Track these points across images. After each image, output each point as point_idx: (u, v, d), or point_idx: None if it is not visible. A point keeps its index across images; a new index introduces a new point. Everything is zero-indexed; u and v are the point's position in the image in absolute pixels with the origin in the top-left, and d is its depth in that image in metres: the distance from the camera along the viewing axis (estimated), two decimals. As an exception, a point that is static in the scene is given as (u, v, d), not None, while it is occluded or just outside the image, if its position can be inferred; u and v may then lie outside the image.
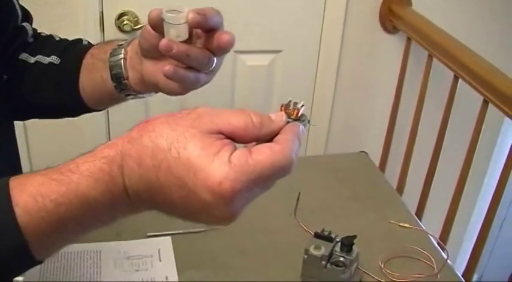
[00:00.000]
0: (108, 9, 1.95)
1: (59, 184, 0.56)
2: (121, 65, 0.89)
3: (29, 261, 0.58)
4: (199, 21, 0.74)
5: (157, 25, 0.77)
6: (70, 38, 0.98)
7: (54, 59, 0.97)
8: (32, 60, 0.98)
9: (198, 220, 0.57)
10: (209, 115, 0.56)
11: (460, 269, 1.92)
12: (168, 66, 0.78)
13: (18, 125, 1.01)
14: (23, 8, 1.00)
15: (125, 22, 1.95)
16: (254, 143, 0.58)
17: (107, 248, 1.21)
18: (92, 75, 0.94)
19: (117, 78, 0.90)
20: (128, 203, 0.58)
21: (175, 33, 0.74)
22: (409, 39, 2.18)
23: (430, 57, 2.05)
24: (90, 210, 0.57)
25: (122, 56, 0.89)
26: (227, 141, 0.56)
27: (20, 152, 1.02)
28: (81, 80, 0.95)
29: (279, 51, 2.19)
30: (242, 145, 0.57)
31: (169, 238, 1.24)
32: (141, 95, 0.93)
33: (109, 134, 2.12)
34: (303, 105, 0.63)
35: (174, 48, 0.75)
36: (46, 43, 1.01)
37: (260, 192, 0.57)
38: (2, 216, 0.55)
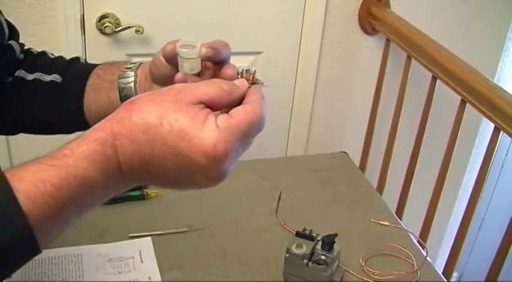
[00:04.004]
0: (88, 12, 1.94)
1: (57, 169, 0.58)
2: (131, 87, 0.92)
3: (33, 249, 0.58)
4: (211, 55, 0.77)
5: (171, 58, 0.81)
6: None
7: (56, 77, 0.98)
8: (30, 77, 0.99)
9: (191, 184, 0.63)
10: (188, 89, 0.63)
11: (440, 268, 1.94)
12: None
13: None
14: (10, 26, 1.00)
15: (106, 24, 1.94)
16: (227, 109, 0.64)
17: (88, 251, 1.21)
18: (98, 95, 0.96)
19: (127, 99, 0.92)
20: (122, 179, 0.62)
21: (189, 66, 0.78)
22: (387, 41, 2.20)
23: (409, 58, 2.07)
24: (88, 191, 0.60)
25: (132, 78, 0.92)
26: (208, 109, 0.62)
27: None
28: (86, 99, 0.97)
29: (260, 52, 2.20)
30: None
31: (149, 239, 1.25)
32: None
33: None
34: (255, 70, 0.72)
35: (188, 81, 0.78)
36: (42, 60, 1.02)
37: (243, 151, 0.64)
38: (4, 204, 0.55)
